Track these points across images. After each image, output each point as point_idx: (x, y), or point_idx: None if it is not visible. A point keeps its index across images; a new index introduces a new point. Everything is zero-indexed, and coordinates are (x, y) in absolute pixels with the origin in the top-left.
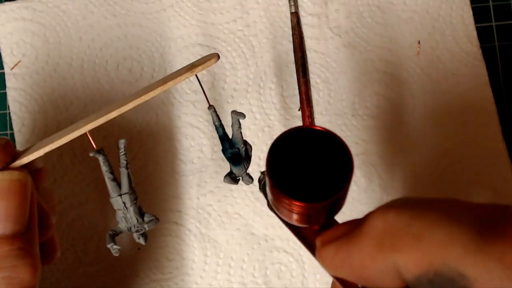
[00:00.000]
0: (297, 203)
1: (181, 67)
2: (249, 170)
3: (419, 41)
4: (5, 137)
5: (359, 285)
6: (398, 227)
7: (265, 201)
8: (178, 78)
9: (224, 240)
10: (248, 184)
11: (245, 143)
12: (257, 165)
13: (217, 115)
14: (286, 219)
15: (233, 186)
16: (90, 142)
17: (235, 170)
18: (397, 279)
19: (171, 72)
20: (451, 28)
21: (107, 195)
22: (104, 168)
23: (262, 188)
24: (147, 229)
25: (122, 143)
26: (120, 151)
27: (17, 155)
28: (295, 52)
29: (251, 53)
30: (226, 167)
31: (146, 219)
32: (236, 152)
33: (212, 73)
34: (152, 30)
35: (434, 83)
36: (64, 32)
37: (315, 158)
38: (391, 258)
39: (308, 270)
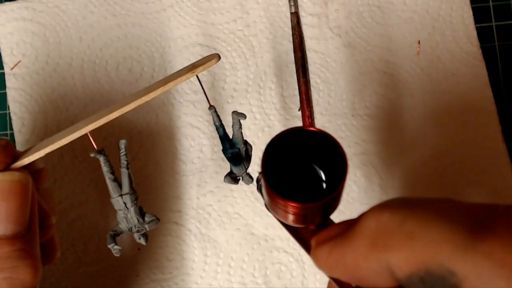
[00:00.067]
0: (292, 204)
1: (181, 67)
2: (249, 170)
3: (419, 41)
4: (5, 137)
5: (353, 285)
6: (391, 227)
7: None
8: (179, 78)
9: (224, 240)
10: (248, 184)
11: (246, 143)
12: (257, 165)
13: (218, 115)
14: (282, 220)
15: (233, 186)
16: (91, 143)
17: (235, 170)
18: (390, 279)
19: (171, 72)
20: (451, 28)
21: (107, 195)
22: (105, 169)
23: (260, 189)
24: (148, 229)
25: (122, 143)
26: (121, 152)
27: (18, 155)
28: (295, 52)
29: (251, 53)
30: (226, 167)
31: (147, 219)
32: (236, 152)
33: (212, 73)
34: (152, 30)
35: (434, 83)
36: (64, 32)
37: (310, 159)
38: (384, 258)
39: (308, 270)
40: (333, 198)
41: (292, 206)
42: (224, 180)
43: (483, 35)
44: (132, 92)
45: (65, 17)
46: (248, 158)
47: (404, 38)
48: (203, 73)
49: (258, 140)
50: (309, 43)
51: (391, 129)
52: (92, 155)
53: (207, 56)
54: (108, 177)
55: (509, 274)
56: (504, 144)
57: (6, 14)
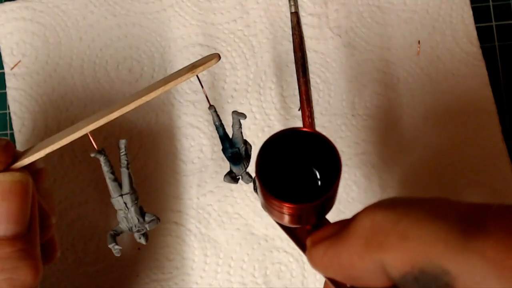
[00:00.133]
0: (286, 205)
1: (181, 67)
2: (249, 170)
3: (419, 41)
4: (6, 137)
5: (348, 285)
6: (385, 226)
7: None
8: (179, 78)
9: (224, 240)
10: (247, 183)
11: (245, 142)
12: None
13: (218, 115)
14: (278, 220)
15: (233, 186)
16: (91, 143)
17: (235, 170)
18: (385, 278)
19: (171, 72)
20: (451, 28)
21: (107, 195)
22: (105, 169)
23: (256, 189)
24: (148, 229)
25: (122, 143)
26: (121, 151)
27: (18, 156)
28: (295, 52)
29: (251, 53)
30: (226, 167)
31: (147, 219)
32: (236, 152)
33: (212, 73)
34: (152, 30)
35: (434, 83)
36: (64, 32)
37: (306, 159)
38: (378, 257)
39: (308, 270)
40: (327, 198)
41: (286, 207)
42: (224, 180)
43: (483, 35)
44: (132, 92)
45: (65, 17)
46: (247, 157)
47: (404, 38)
48: (203, 73)
49: (258, 140)
50: (309, 43)
51: (391, 129)
52: (92, 155)
53: (207, 56)
54: (108, 177)
55: (501, 272)
56: (504, 144)
57: (6, 14)
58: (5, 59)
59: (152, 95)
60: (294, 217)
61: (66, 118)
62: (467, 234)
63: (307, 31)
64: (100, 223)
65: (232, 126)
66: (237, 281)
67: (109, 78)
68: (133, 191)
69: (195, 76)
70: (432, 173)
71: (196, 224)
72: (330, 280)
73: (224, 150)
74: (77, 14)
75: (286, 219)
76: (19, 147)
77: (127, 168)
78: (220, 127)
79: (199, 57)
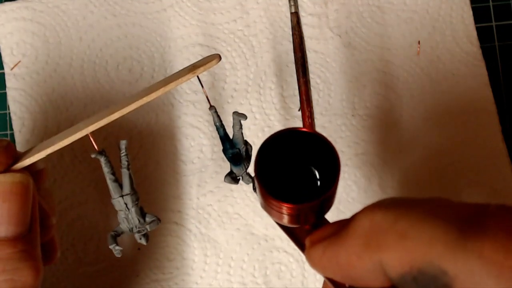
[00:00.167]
0: (285, 205)
1: (181, 67)
2: (249, 170)
3: (419, 41)
4: (6, 138)
5: (347, 285)
6: (384, 226)
7: None
8: (180, 79)
9: (224, 240)
10: (248, 184)
11: (246, 143)
12: None
13: (218, 116)
14: (277, 220)
15: (233, 186)
16: (92, 143)
17: (235, 170)
18: (383, 278)
19: (171, 72)
20: (451, 28)
21: (107, 195)
22: (105, 169)
23: (255, 189)
24: (148, 229)
25: (123, 144)
26: (122, 152)
27: (19, 156)
28: (295, 52)
29: (251, 53)
30: (226, 167)
31: (147, 219)
32: (237, 152)
33: (212, 73)
34: (152, 30)
35: (434, 83)
36: (64, 32)
37: (305, 159)
38: (377, 257)
39: (308, 270)
40: (326, 198)
41: (285, 207)
42: (225, 180)
43: (483, 35)
44: (132, 92)
45: (65, 17)
46: (248, 158)
47: (404, 38)
48: (203, 73)
49: (258, 140)
50: (309, 43)
51: (391, 129)
52: (93, 156)
53: (208, 57)
54: (109, 178)
55: (499, 272)
56: (504, 144)
57: (6, 14)
58: (5, 59)
59: (153, 95)
60: (293, 217)
61: (66, 118)
62: (466, 235)
63: (307, 31)
64: (100, 223)
65: (233, 126)
66: (237, 281)
67: (109, 78)
68: (134, 191)
69: (196, 77)
70: (432, 173)
71: (196, 224)
72: (329, 279)
73: (224, 151)
74: (77, 14)
75: (285, 219)
76: (19, 147)
77: (128, 169)
78: (220, 127)
79: (199, 57)
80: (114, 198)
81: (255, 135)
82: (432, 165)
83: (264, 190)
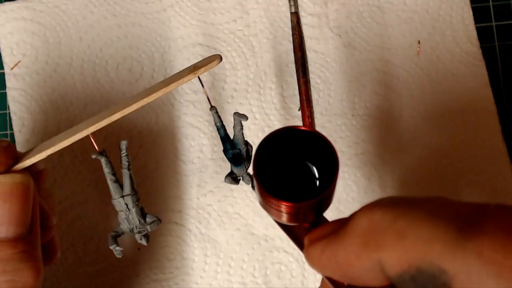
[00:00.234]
0: (284, 203)
1: (181, 67)
2: (250, 170)
3: (419, 41)
4: (7, 139)
5: (346, 284)
6: (383, 225)
7: None
8: (181, 80)
9: (224, 240)
10: (248, 184)
11: (246, 143)
12: None
13: (219, 116)
14: (276, 219)
15: (233, 186)
16: (92, 144)
17: (236, 170)
18: (382, 277)
19: (171, 72)
20: (451, 28)
21: (107, 195)
22: (106, 170)
23: (254, 187)
24: (149, 230)
25: (124, 144)
26: (122, 153)
27: (19, 157)
28: (295, 52)
29: (251, 53)
30: (226, 167)
31: (148, 220)
32: (237, 153)
33: (212, 73)
34: (152, 30)
35: (434, 83)
36: (64, 32)
37: (304, 157)
38: (375, 256)
39: (308, 270)
40: (325, 196)
41: (284, 205)
42: (225, 181)
43: (483, 35)
44: (132, 92)
45: (65, 17)
46: (249, 158)
47: (404, 38)
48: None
49: (258, 140)
50: (309, 43)
51: (391, 129)
52: (93, 156)
53: (208, 57)
54: (109, 178)
55: (498, 272)
56: (504, 144)
57: (6, 14)
58: (5, 59)
59: (154, 96)
60: (291, 216)
61: (66, 118)
62: (465, 234)
63: (307, 31)
64: (100, 223)
65: (234, 127)
66: (237, 281)
67: (109, 78)
68: (134, 192)
69: (196, 77)
70: (432, 173)
71: (196, 224)
72: (328, 278)
73: (225, 151)
74: (77, 14)
75: (284, 218)
76: (19, 147)
77: (128, 169)
78: (221, 128)
79: (199, 57)
80: (114, 199)
81: (255, 135)
82: (432, 165)
83: (263, 188)
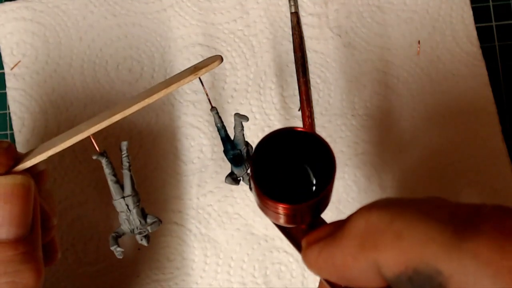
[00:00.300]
0: (281, 205)
1: (181, 67)
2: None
3: (419, 41)
4: (7, 140)
5: (343, 286)
6: (380, 227)
7: None
8: (182, 80)
9: (224, 240)
10: (248, 184)
11: (247, 144)
12: None
13: (220, 117)
14: (274, 220)
15: (233, 186)
16: (93, 145)
17: (236, 171)
18: (379, 279)
19: (171, 72)
20: (451, 28)
21: (107, 195)
22: (107, 171)
23: (252, 189)
24: (150, 231)
25: (124, 145)
26: (123, 153)
27: (20, 158)
28: (295, 52)
29: (251, 53)
30: (226, 167)
31: (149, 221)
32: (238, 154)
33: (212, 73)
34: (152, 30)
35: (434, 83)
36: (64, 32)
37: (301, 159)
38: (372, 257)
39: (308, 270)
40: (322, 198)
41: (281, 207)
42: (225, 181)
43: (483, 35)
44: (132, 92)
45: (65, 17)
46: (249, 159)
47: (404, 38)
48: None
49: (258, 140)
50: (309, 43)
51: (391, 129)
52: (94, 157)
53: (209, 58)
54: (110, 179)
55: (495, 273)
56: (504, 144)
57: (6, 14)
58: (5, 59)
59: (155, 97)
60: (289, 217)
61: (66, 118)
62: (461, 235)
63: (307, 31)
64: (100, 223)
65: (234, 128)
66: (237, 281)
67: (109, 78)
68: (135, 193)
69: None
70: (432, 173)
71: (196, 224)
72: (326, 281)
73: (225, 152)
74: (77, 14)
75: (281, 219)
76: (19, 147)
77: (129, 170)
78: (222, 129)
79: (199, 57)
80: (115, 200)
81: (255, 135)
82: (432, 165)
83: (260, 190)
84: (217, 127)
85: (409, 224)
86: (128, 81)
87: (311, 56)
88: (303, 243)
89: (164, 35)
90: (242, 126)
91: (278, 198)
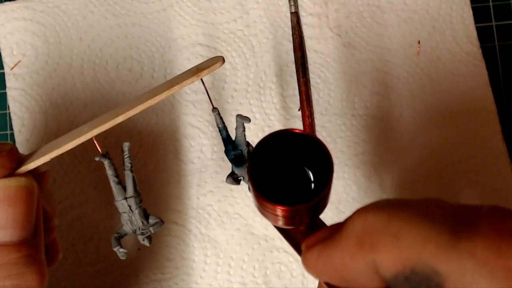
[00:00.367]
0: (280, 207)
1: (181, 67)
2: None
3: (419, 41)
4: (10, 142)
5: None
6: (377, 227)
7: None
8: (184, 82)
9: (224, 240)
10: (249, 184)
11: (248, 144)
12: None
13: (221, 118)
14: (272, 222)
15: (233, 186)
16: (96, 147)
17: (237, 171)
18: (377, 279)
19: (171, 72)
20: (451, 28)
21: (107, 195)
22: (109, 172)
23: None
24: (152, 232)
25: (126, 146)
26: (125, 154)
27: (22, 159)
28: (295, 52)
29: (251, 53)
30: (226, 167)
31: (151, 221)
32: (239, 154)
33: (212, 73)
34: (152, 30)
35: (434, 83)
36: (64, 32)
37: (299, 160)
38: (370, 257)
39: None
40: (320, 199)
41: (280, 209)
42: (226, 181)
43: (483, 35)
44: (132, 92)
45: (65, 17)
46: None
47: (404, 38)
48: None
49: (258, 140)
50: (309, 43)
51: (391, 129)
52: (97, 159)
53: (211, 59)
54: (112, 180)
55: (491, 272)
56: (504, 144)
57: (6, 14)
58: (5, 59)
59: (157, 98)
60: (287, 219)
61: (66, 118)
62: (458, 235)
63: (307, 31)
64: (100, 223)
65: (236, 129)
66: (237, 281)
67: (109, 78)
68: (137, 194)
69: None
70: (432, 173)
71: (196, 224)
72: (326, 283)
73: (226, 152)
74: (77, 14)
75: (280, 221)
76: (19, 147)
77: (131, 171)
78: (223, 129)
79: (199, 57)
80: (117, 201)
81: (255, 135)
82: (432, 165)
83: (258, 193)
84: (218, 127)
85: (406, 224)
86: (128, 81)
87: (311, 56)
88: (303, 247)
89: (164, 35)
90: (244, 127)
91: (276, 200)
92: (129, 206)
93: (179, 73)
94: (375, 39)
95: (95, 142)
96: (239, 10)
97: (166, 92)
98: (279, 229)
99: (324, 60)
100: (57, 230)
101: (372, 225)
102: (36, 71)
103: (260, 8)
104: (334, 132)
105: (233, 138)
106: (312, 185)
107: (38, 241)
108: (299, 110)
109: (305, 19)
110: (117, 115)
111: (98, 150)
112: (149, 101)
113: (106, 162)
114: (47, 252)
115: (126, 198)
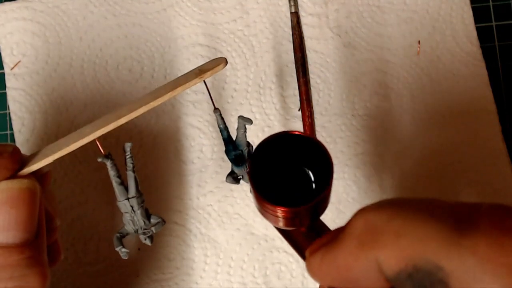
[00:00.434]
0: (280, 208)
1: (181, 67)
2: None
3: (419, 41)
4: (12, 143)
5: None
6: (379, 225)
7: None
8: (187, 83)
9: (224, 240)
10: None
11: (248, 145)
12: None
13: (222, 118)
14: (273, 223)
15: (233, 186)
16: (99, 148)
17: (237, 170)
18: (381, 278)
19: (171, 72)
20: (451, 28)
21: (107, 195)
22: (112, 173)
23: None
24: (154, 231)
25: (128, 146)
26: (127, 154)
27: (25, 161)
28: (295, 52)
29: (251, 53)
30: (226, 167)
31: (153, 221)
32: (240, 154)
33: None
34: (152, 30)
35: (434, 83)
36: (64, 32)
37: (299, 161)
38: (373, 255)
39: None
40: (320, 200)
41: (280, 210)
42: (226, 180)
43: (483, 35)
44: (132, 92)
45: (65, 17)
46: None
47: (404, 38)
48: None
49: (258, 140)
50: (309, 43)
51: (391, 129)
52: (99, 160)
53: (213, 60)
54: (115, 181)
55: (494, 268)
56: (504, 144)
57: (6, 14)
58: (5, 59)
59: (160, 100)
60: (288, 220)
61: (66, 118)
62: (460, 231)
63: (307, 31)
64: (100, 223)
65: (237, 129)
66: (237, 281)
67: (109, 78)
68: (140, 194)
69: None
70: (432, 173)
71: (196, 224)
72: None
73: (227, 152)
74: (77, 14)
75: (280, 222)
76: (19, 147)
77: (133, 171)
78: (224, 130)
79: (199, 57)
80: (120, 201)
81: (255, 135)
82: (432, 165)
83: (259, 194)
84: (219, 128)
85: (407, 222)
86: (128, 81)
87: (311, 56)
88: (307, 253)
89: (164, 35)
90: (245, 128)
91: (276, 201)
92: (131, 206)
93: (179, 73)
94: (375, 39)
95: (98, 143)
96: (239, 10)
97: (169, 93)
98: (280, 230)
99: (324, 60)
100: (58, 231)
101: (373, 224)
102: (36, 71)
103: (260, 8)
104: (334, 132)
105: (234, 138)
106: (313, 186)
107: (41, 242)
108: (299, 110)
109: (305, 19)
110: (119, 117)
111: (101, 151)
112: (151, 103)
113: (108, 163)
114: (49, 253)
115: (128, 199)
